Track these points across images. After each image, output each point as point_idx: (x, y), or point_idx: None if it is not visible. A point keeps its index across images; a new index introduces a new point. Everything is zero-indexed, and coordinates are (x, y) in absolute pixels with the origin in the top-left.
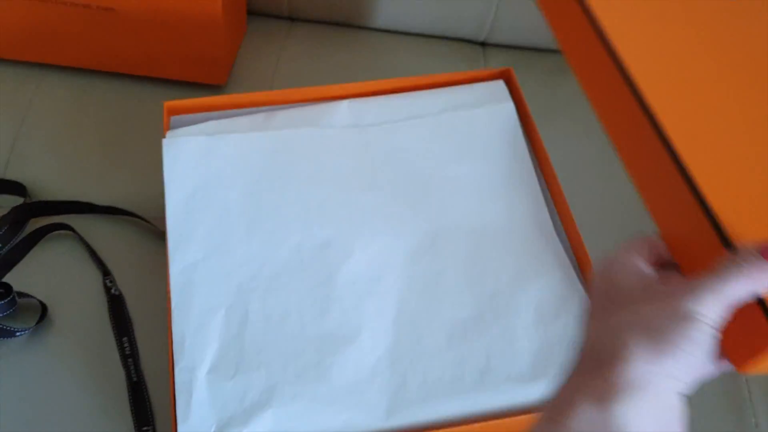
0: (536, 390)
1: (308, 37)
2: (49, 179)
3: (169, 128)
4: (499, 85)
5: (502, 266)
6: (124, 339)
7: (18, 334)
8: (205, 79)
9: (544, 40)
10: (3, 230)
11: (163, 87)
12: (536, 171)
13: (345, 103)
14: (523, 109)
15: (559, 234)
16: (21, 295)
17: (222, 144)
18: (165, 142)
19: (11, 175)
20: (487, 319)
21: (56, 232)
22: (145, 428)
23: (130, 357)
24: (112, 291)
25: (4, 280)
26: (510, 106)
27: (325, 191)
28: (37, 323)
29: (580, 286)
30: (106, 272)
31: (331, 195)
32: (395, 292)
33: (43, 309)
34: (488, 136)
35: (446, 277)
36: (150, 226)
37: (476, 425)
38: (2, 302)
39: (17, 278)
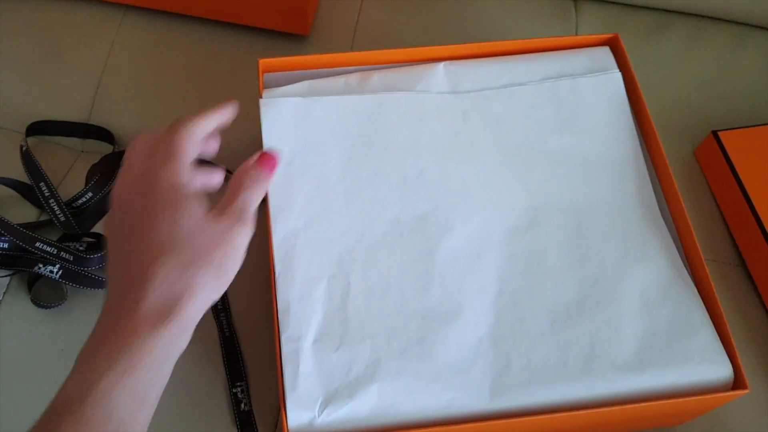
0: (642, 379)
1: None
2: (134, 127)
3: (263, 86)
4: (605, 53)
5: (606, 248)
6: None
7: None
8: (289, 28)
9: None
10: (95, 179)
11: (246, 34)
12: (642, 147)
13: (441, 66)
14: (631, 79)
15: (664, 216)
16: None
17: (319, 106)
18: (262, 102)
19: (96, 119)
20: (590, 304)
21: None
22: (238, 383)
23: (222, 312)
24: None
25: (96, 228)
26: (617, 76)
27: (423, 161)
28: None
29: (686, 273)
30: None
31: (429, 165)
32: (496, 271)
33: None
34: (593, 108)
35: (548, 257)
36: None
37: (581, 412)
38: (98, 255)
39: None
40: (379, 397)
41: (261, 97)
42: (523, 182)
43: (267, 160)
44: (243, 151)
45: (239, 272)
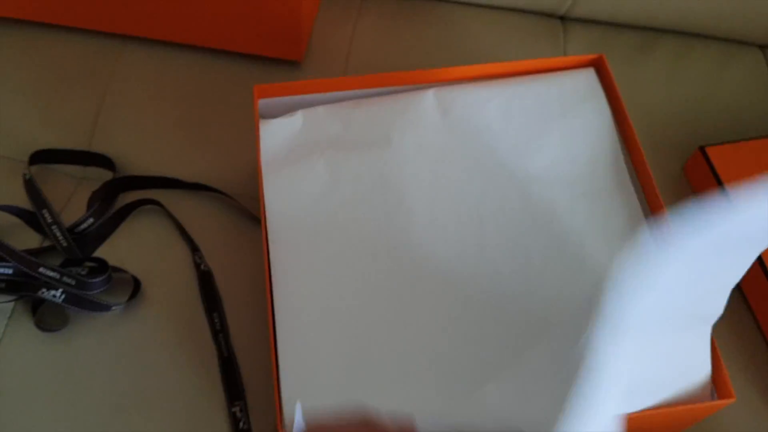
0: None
1: (381, 11)
2: (134, 153)
3: (258, 111)
4: (591, 74)
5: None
6: (214, 314)
7: (113, 308)
8: (284, 55)
9: (629, 14)
10: (95, 205)
11: (242, 62)
12: (630, 170)
13: (431, 93)
14: (616, 99)
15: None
16: (115, 269)
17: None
18: (261, 125)
19: (97, 147)
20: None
21: (144, 206)
22: (237, 403)
23: (220, 332)
24: (202, 267)
25: (98, 253)
26: (604, 108)
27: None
28: (130, 298)
29: None
30: (194, 248)
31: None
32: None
33: (136, 284)
34: (579, 135)
35: (535, 280)
36: (234, 203)
37: None
38: (100, 279)
39: (108, 252)
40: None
41: (256, 122)
42: (503, 207)
43: None
44: (238, 175)
45: (238, 292)
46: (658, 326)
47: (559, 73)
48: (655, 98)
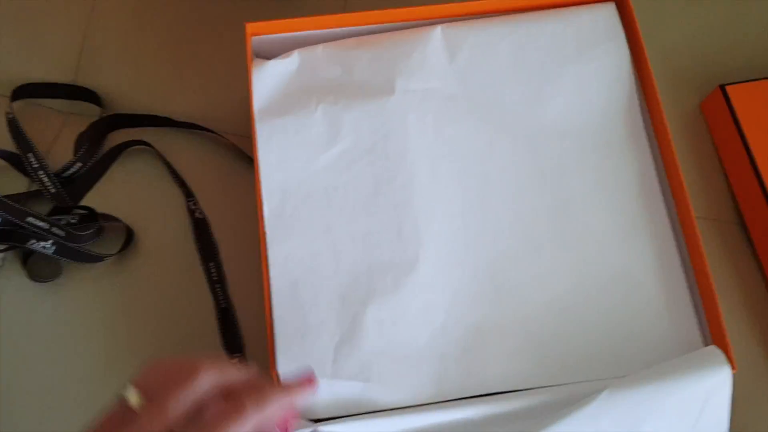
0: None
1: None
2: (121, 88)
3: (251, 50)
4: (610, 11)
5: (595, 225)
6: (211, 264)
7: (105, 258)
8: None
9: None
10: (83, 148)
11: None
12: (645, 116)
13: (439, 29)
14: (636, 38)
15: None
16: (106, 218)
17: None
18: (254, 67)
19: (82, 81)
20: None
21: (134, 147)
22: (236, 355)
23: (217, 283)
24: (196, 214)
25: (87, 199)
26: (623, 51)
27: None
28: (123, 248)
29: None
30: (188, 194)
31: (415, 173)
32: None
33: (129, 233)
34: (595, 80)
35: (536, 238)
36: (228, 143)
37: None
38: (90, 231)
39: (98, 199)
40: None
41: (249, 63)
42: (515, 153)
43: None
44: (232, 112)
45: (235, 239)
46: None
47: (577, 8)
48: (677, 30)
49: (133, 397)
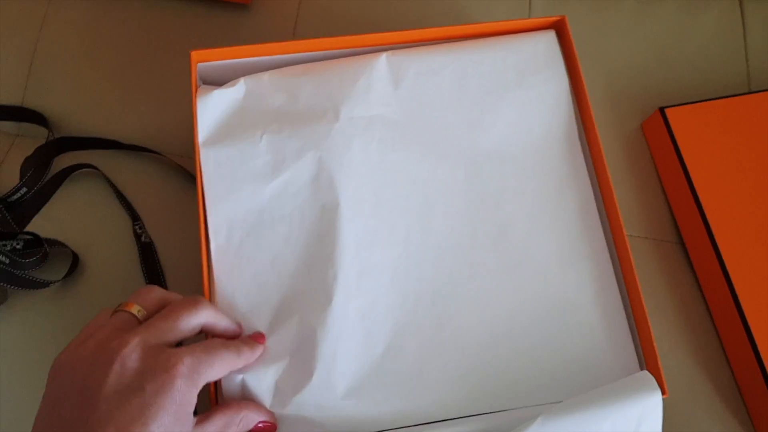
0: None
1: None
2: (69, 110)
3: (196, 78)
4: (551, 40)
5: (536, 248)
6: None
7: (50, 284)
8: None
9: None
10: (29, 173)
11: (183, 5)
12: (582, 141)
13: (384, 57)
14: (574, 65)
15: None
16: (52, 243)
17: (254, 117)
18: (199, 97)
19: (30, 103)
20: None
21: (81, 170)
22: None
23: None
24: (143, 238)
25: (33, 223)
26: (562, 78)
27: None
28: (68, 274)
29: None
30: (135, 217)
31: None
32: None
33: (74, 259)
34: (537, 120)
35: (475, 258)
36: (175, 166)
37: None
38: (34, 258)
39: (44, 224)
40: None
41: (193, 91)
42: (456, 179)
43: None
44: (180, 134)
45: (180, 263)
46: None
47: (519, 36)
48: (620, 53)
49: (136, 309)
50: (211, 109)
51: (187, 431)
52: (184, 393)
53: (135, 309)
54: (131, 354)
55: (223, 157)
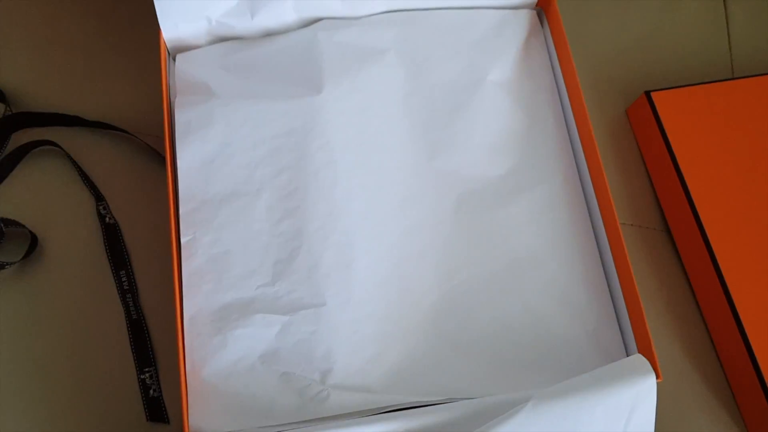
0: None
1: None
2: (29, 85)
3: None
4: (534, 19)
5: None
6: (122, 272)
7: (6, 266)
8: None
9: None
10: None
11: None
12: (568, 115)
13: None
14: (562, 42)
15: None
16: (8, 223)
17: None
18: (177, 66)
19: None
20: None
21: (41, 148)
22: (147, 369)
23: (128, 292)
24: (107, 219)
25: None
26: (551, 61)
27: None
28: (26, 255)
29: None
30: (98, 197)
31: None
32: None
33: (33, 239)
34: (524, 104)
35: (456, 244)
36: (140, 143)
37: None
38: None
39: (1, 202)
40: None
41: (162, 54)
42: (431, 150)
43: None
44: (145, 111)
45: (147, 245)
46: None
47: (502, 12)
48: (605, 37)
49: None
50: (187, 69)
51: None
52: None
53: None
54: None
55: (195, 122)
